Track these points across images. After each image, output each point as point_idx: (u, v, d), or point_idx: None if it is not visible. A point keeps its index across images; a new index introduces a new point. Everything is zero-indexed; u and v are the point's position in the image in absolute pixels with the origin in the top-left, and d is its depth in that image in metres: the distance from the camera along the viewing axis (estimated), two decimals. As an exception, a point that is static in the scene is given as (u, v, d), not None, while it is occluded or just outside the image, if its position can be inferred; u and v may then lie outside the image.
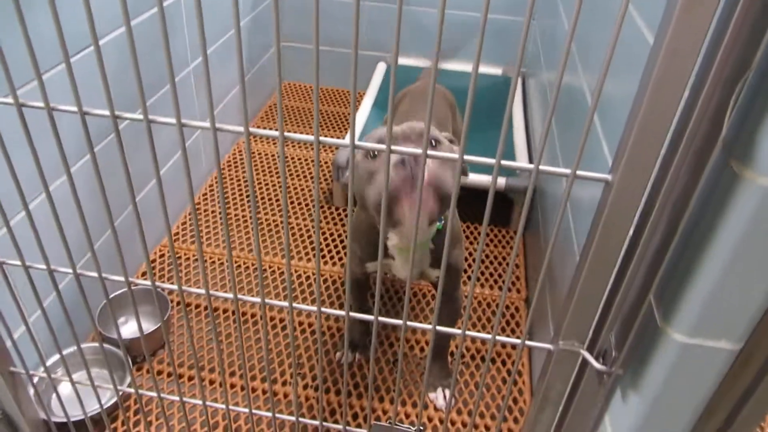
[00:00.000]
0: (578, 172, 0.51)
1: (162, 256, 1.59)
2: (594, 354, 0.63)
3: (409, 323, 0.65)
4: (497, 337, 0.64)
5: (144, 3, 1.32)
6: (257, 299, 0.67)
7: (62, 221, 0.63)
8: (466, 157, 0.52)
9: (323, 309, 0.66)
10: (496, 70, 2.29)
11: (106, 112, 0.54)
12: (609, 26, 1.15)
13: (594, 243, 0.55)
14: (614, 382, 0.65)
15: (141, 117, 0.54)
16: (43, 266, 0.67)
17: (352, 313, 0.65)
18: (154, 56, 1.36)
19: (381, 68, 2.32)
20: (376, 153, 0.88)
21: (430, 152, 0.51)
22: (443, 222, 1.01)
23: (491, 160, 0.52)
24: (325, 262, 1.60)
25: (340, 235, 1.70)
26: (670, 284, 0.57)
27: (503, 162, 0.52)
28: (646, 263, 0.55)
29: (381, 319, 0.66)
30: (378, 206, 0.86)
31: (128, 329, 1.36)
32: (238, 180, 1.92)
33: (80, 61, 1.13)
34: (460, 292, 1.18)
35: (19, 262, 0.68)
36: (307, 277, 1.55)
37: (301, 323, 1.42)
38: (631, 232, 0.54)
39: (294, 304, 0.66)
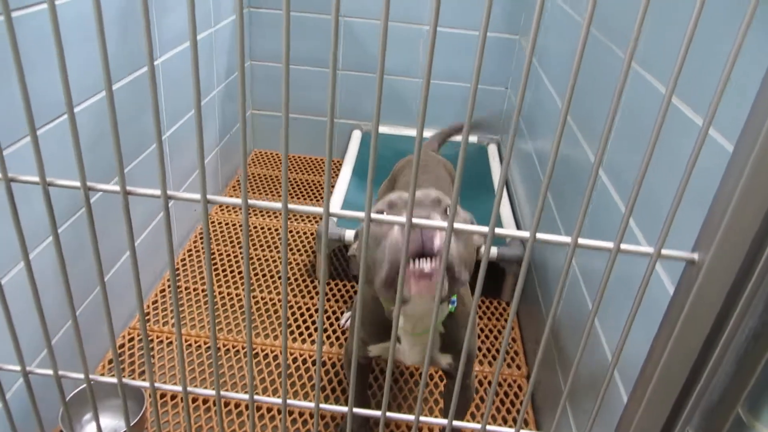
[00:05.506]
0: (663, 251, 0.46)
1: (131, 340, 1.45)
2: (665, 453, 0.56)
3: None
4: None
5: (120, 70, 1.25)
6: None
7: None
8: (456, 225, 0.46)
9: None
10: (472, 138, 2.30)
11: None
12: (604, 86, 1.14)
13: (676, 328, 0.48)
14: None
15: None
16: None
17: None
18: (127, 128, 1.28)
19: (357, 136, 2.30)
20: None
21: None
22: (455, 304, 0.93)
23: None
24: (304, 341, 1.49)
25: (325, 311, 1.59)
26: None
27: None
28: (735, 354, 0.49)
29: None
30: (387, 278, 0.77)
31: (96, 426, 1.20)
32: (213, 253, 1.80)
33: (53, 130, 1.04)
34: (473, 380, 1.09)
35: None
36: (302, 360, 1.44)
37: (290, 413, 1.29)
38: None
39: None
